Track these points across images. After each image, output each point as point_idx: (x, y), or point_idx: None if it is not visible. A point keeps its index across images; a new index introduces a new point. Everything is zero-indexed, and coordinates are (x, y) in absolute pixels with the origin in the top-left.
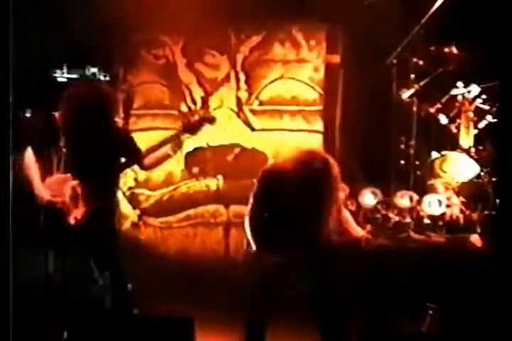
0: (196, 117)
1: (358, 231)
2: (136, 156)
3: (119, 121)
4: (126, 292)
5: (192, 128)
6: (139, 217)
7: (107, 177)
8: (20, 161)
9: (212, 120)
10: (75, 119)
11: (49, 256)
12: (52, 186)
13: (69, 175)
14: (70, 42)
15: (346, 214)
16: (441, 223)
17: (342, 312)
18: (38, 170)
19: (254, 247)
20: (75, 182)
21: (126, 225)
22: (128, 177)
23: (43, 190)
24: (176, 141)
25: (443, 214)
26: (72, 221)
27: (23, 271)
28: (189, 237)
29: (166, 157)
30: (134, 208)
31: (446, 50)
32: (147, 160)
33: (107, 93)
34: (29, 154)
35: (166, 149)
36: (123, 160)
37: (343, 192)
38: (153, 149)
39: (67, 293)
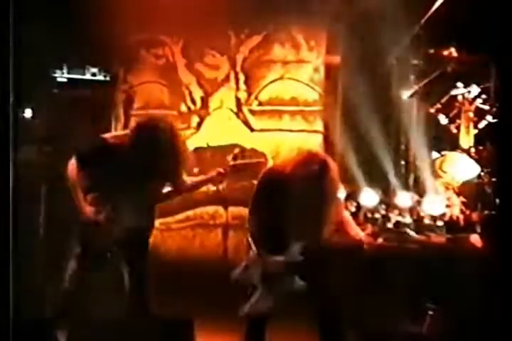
0: (244, 161)
1: (358, 233)
2: (178, 185)
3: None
4: (147, 296)
5: (237, 171)
6: None
7: (148, 200)
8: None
9: (260, 166)
10: (138, 150)
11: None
12: (92, 204)
13: (106, 195)
14: (70, 43)
15: (346, 215)
16: (441, 223)
17: (342, 312)
18: (79, 185)
19: (254, 248)
20: (112, 203)
21: None
22: None
23: (84, 205)
24: (219, 179)
25: (443, 215)
26: (110, 238)
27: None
28: (188, 238)
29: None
30: None
31: (446, 50)
32: (185, 189)
33: (176, 132)
34: (73, 162)
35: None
36: (166, 187)
37: (342, 192)
38: (197, 186)
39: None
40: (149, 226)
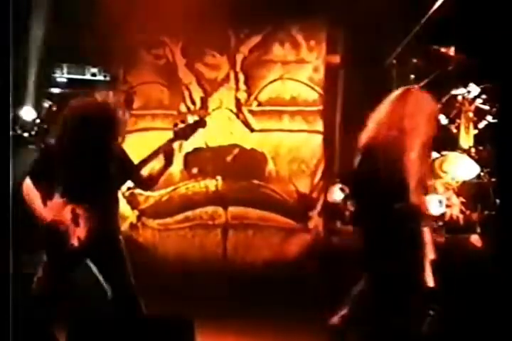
0: (186, 122)
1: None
2: (131, 172)
3: (118, 139)
4: (134, 299)
5: (183, 135)
6: (138, 217)
7: (106, 195)
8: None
9: (203, 124)
10: (75, 140)
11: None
12: (53, 210)
13: (66, 198)
14: (70, 43)
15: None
16: (441, 223)
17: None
18: (38, 194)
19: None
20: (73, 205)
21: (125, 226)
22: None
23: (44, 211)
24: (168, 150)
25: (443, 215)
26: (75, 241)
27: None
28: (187, 239)
29: (164, 169)
30: (133, 209)
31: (446, 50)
32: (144, 178)
33: (112, 112)
34: (28, 182)
35: (161, 161)
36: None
37: (343, 192)
38: (145, 162)
39: (72, 296)
40: (114, 226)
